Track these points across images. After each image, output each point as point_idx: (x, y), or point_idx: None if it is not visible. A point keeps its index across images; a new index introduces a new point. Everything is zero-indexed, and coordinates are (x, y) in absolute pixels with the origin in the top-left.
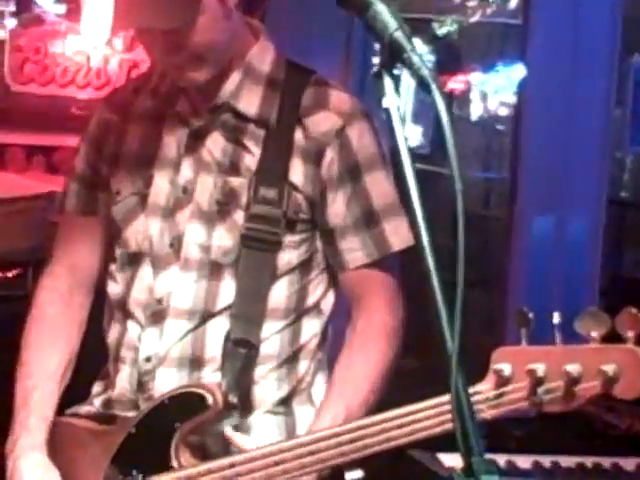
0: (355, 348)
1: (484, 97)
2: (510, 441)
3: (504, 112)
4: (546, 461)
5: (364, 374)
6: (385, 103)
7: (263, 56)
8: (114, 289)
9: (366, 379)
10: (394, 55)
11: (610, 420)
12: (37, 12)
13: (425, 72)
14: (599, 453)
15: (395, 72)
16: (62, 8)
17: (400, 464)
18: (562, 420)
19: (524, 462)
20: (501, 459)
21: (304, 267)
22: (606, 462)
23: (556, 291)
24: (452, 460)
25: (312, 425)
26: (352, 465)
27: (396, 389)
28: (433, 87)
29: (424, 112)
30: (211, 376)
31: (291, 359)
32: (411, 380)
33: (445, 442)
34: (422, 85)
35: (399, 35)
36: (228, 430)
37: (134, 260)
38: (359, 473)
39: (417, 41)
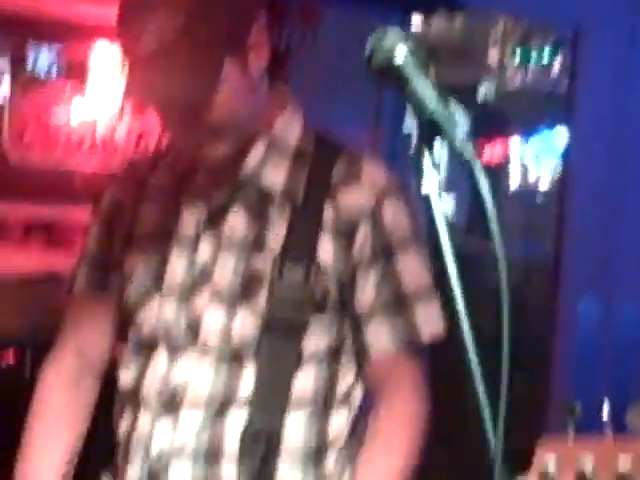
0: (378, 442)
1: (524, 166)
2: None
3: (546, 182)
4: None
5: (388, 470)
6: (425, 189)
7: (290, 127)
8: (126, 376)
9: (390, 475)
10: (434, 131)
11: None
12: (37, 74)
13: (468, 152)
14: None
15: (434, 148)
16: (60, 70)
17: None
18: None
19: None
20: None
21: (333, 354)
22: None
23: (605, 381)
24: None
25: None
26: None
27: None
28: (477, 168)
29: (457, 180)
30: (230, 470)
31: (317, 454)
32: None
33: None
34: (464, 164)
35: (440, 111)
36: None
37: (148, 346)
38: None
39: (455, 107)
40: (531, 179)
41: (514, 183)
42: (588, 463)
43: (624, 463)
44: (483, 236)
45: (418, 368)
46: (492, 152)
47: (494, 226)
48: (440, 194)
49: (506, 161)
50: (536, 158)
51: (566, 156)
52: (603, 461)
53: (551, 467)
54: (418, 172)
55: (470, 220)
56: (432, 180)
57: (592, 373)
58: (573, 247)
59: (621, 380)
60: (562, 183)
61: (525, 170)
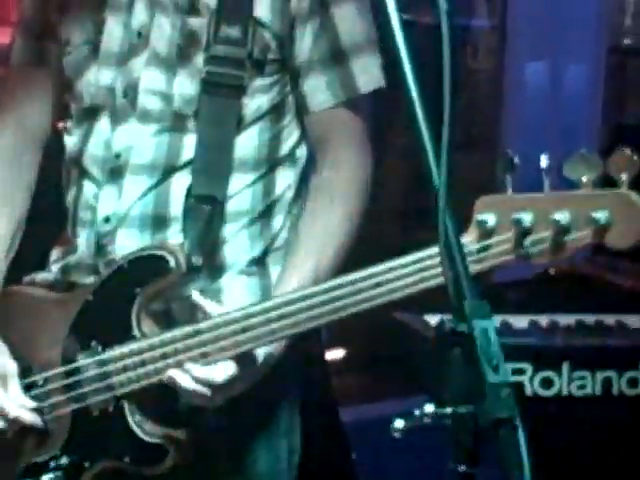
0: (321, 201)
1: None
2: (505, 304)
3: None
4: (543, 320)
5: (332, 231)
6: None
7: None
8: (69, 143)
9: (335, 235)
10: None
11: (612, 280)
12: None
13: None
14: (601, 311)
15: None
16: None
17: (385, 327)
18: (559, 282)
19: (520, 322)
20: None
21: (276, 113)
22: (609, 319)
23: (552, 145)
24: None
25: (277, 287)
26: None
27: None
28: None
29: None
30: (176, 237)
31: (264, 214)
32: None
33: (432, 304)
34: None
35: None
36: (195, 294)
37: (90, 115)
38: None
39: None
40: None
41: None
42: (527, 217)
43: (562, 216)
44: None
45: (360, 123)
46: None
47: None
48: None
49: None
50: None
51: None
52: (542, 215)
53: (490, 222)
54: None
55: None
56: None
57: (540, 141)
58: (519, 11)
59: (564, 135)
60: None
61: None
